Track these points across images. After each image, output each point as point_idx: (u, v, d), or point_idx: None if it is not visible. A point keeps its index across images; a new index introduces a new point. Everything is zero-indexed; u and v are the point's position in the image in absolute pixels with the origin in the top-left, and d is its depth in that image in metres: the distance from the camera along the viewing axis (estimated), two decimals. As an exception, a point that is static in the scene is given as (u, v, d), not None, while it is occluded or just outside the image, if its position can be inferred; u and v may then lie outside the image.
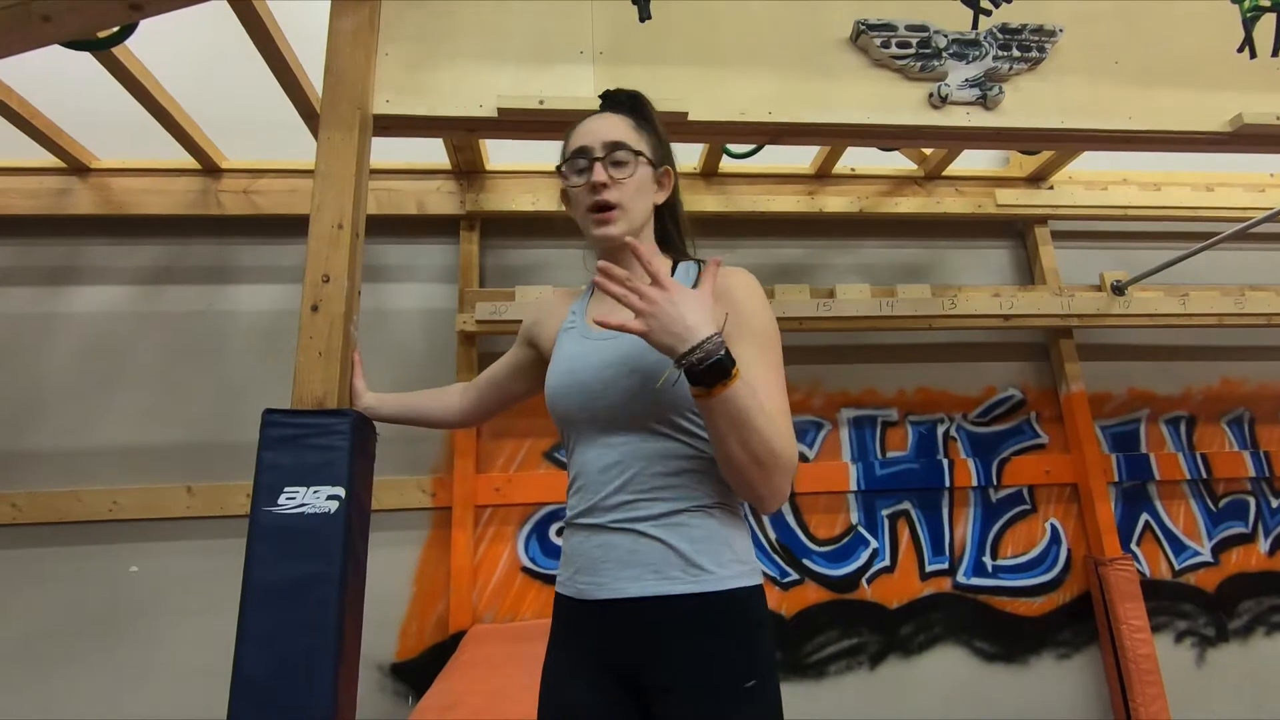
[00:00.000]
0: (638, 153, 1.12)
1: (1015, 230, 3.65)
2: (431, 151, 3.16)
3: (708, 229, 3.42)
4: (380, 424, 1.50)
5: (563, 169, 1.16)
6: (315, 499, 1.17)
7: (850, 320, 3.16)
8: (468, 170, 3.25)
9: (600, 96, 1.22)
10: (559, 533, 2.99)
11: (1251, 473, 3.35)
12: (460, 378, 3.02)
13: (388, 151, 3.23)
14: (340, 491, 1.19)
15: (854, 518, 3.15)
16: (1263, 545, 3.32)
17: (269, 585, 1.13)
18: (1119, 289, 3.34)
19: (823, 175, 3.43)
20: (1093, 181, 3.57)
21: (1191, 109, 2.06)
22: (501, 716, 1.71)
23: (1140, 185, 3.57)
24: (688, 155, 3.37)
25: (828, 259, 3.49)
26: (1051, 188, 3.52)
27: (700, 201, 3.31)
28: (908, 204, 3.41)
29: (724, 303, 1.02)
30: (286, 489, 1.17)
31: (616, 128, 1.13)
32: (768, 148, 3.57)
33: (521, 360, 1.38)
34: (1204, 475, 3.33)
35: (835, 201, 3.37)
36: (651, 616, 0.93)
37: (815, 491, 3.14)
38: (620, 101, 1.19)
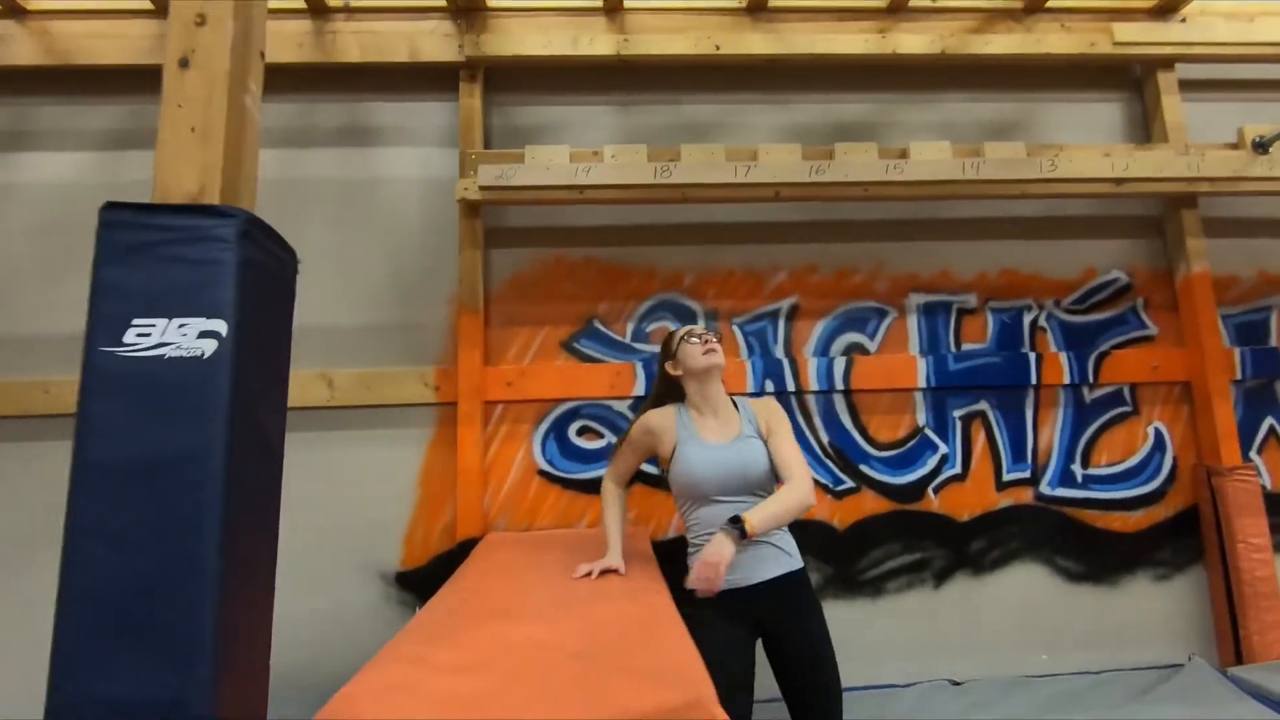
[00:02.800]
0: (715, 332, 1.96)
1: (1132, 78, 3.00)
2: (421, -18, 2.62)
3: (754, 78, 2.86)
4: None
5: (686, 339, 1.88)
6: (181, 336, 0.77)
7: (926, 186, 2.62)
8: (466, 7, 2.71)
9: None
10: (580, 432, 2.63)
11: (1405, 370, 2.79)
12: (464, 256, 2.59)
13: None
14: (220, 326, 0.79)
15: (921, 419, 2.71)
16: None
17: (114, 464, 0.75)
18: (1262, 146, 2.71)
19: (897, 7, 2.80)
20: (1234, 14, 2.87)
21: None
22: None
23: (1297, 17, 2.86)
24: (731, -13, 2.77)
25: (899, 115, 2.90)
26: (1184, 20, 2.84)
27: (745, 42, 2.73)
28: (1001, 43, 2.78)
29: (765, 412, 1.86)
30: (136, 322, 0.77)
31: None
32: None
33: (640, 461, 1.95)
34: (1346, 372, 2.78)
35: (911, 41, 2.76)
36: (785, 583, 1.72)
37: (876, 389, 2.70)
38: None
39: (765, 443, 1.77)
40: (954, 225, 2.83)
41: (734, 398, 1.89)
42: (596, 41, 2.70)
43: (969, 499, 2.67)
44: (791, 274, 2.77)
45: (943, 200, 2.71)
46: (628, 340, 2.69)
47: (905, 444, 2.70)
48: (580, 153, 2.59)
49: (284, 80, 2.71)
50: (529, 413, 2.63)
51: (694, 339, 1.85)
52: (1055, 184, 2.65)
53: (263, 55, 1.11)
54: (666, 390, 1.92)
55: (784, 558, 1.73)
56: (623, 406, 2.64)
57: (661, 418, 1.84)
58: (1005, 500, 2.68)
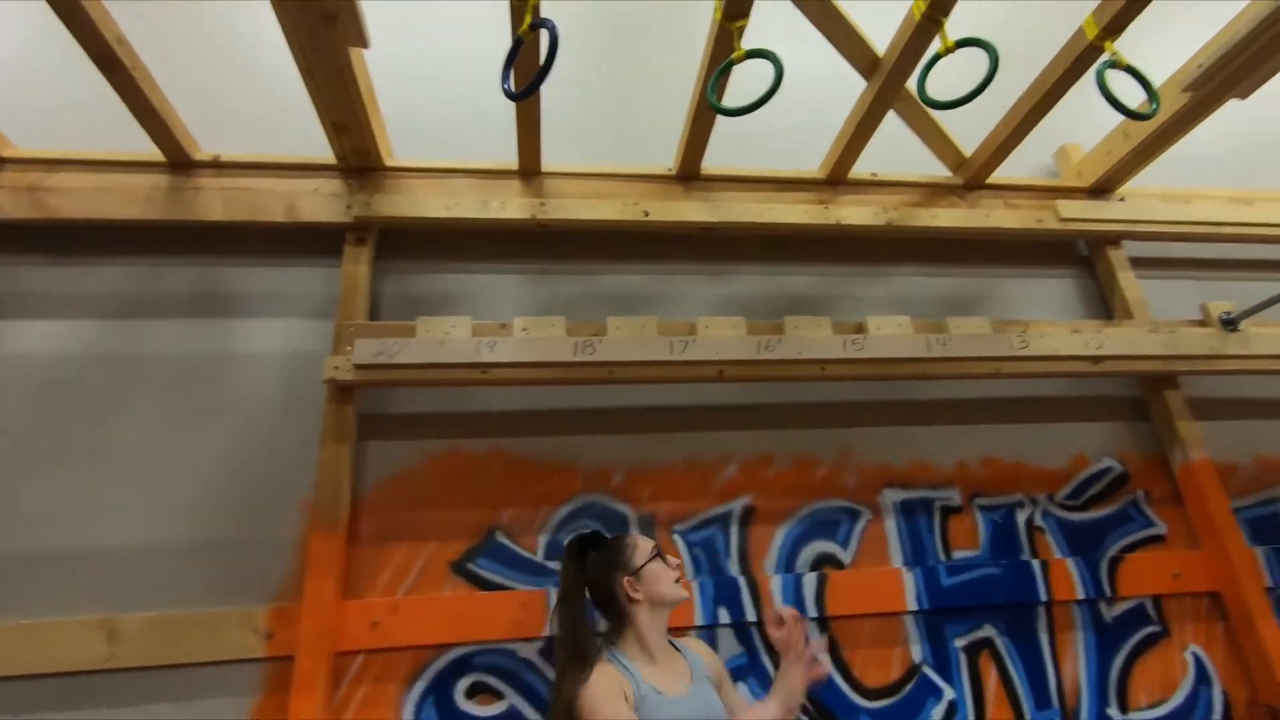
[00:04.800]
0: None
1: (1077, 256, 2.86)
2: (308, 139, 2.29)
3: (689, 247, 2.56)
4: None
5: (658, 559, 1.64)
6: None
7: (889, 364, 2.26)
8: (359, 166, 2.37)
9: (591, 535, 1.74)
10: (472, 692, 1.91)
11: None
12: (325, 452, 2.01)
13: (245, 139, 2.37)
14: None
15: (916, 653, 2.13)
16: None
17: None
18: (1230, 322, 2.52)
19: (836, 180, 2.63)
20: (1169, 195, 2.83)
21: None
22: None
23: (1225, 200, 2.84)
24: (663, 155, 2.55)
25: (850, 288, 2.63)
26: (1123, 199, 2.77)
27: (677, 209, 2.46)
28: (947, 216, 2.61)
29: (710, 656, 1.71)
30: None
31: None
32: (764, 143, 2.78)
33: None
34: (1380, 575, 2.40)
35: (854, 213, 2.55)
36: None
37: (858, 614, 2.13)
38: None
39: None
40: (926, 408, 2.46)
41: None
42: (509, 205, 2.37)
43: (991, 765, 2.03)
44: (743, 466, 2.29)
45: (909, 378, 2.35)
46: (539, 558, 2.08)
47: (902, 689, 2.08)
48: (485, 325, 2.15)
49: (126, 240, 2.25)
50: (400, 666, 1.91)
51: (663, 560, 1.63)
52: (1029, 362, 2.34)
53: None
54: (603, 607, 1.63)
55: None
56: (531, 651, 1.96)
57: (613, 674, 1.48)
58: (1037, 763, 2.05)
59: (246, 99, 2.54)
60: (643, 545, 1.65)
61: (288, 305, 2.29)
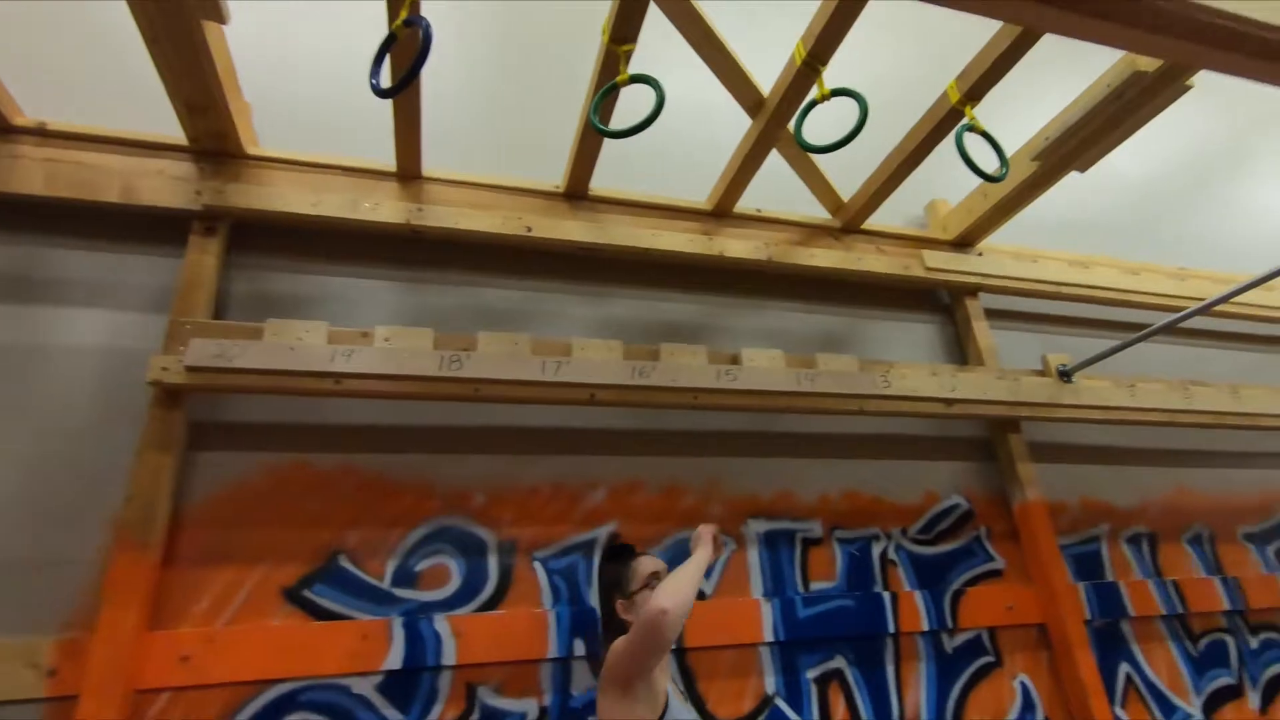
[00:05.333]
0: None
1: (941, 304, 3.05)
2: (162, 120, 2.08)
3: (570, 267, 2.52)
4: None
5: (651, 584, 1.68)
6: None
7: (760, 396, 2.30)
8: (215, 150, 2.18)
9: (619, 547, 1.97)
10: (296, 733, 1.74)
11: (1225, 605, 2.74)
12: (142, 461, 1.79)
13: (85, 111, 2.12)
14: None
15: (769, 684, 2.14)
16: (1252, 699, 2.65)
17: None
18: (1066, 374, 2.75)
19: (721, 213, 2.68)
20: (1020, 254, 3.08)
21: None
22: None
23: (1068, 262, 3.12)
24: (550, 172, 2.51)
25: (728, 319, 2.67)
26: (981, 254, 2.98)
27: (561, 228, 2.41)
28: (824, 257, 2.71)
29: None
30: None
31: (660, 563, 1.78)
32: (657, 169, 2.81)
33: None
34: (1179, 609, 2.66)
35: (737, 246, 2.61)
36: None
37: (715, 645, 2.12)
38: (636, 550, 1.87)
39: None
40: (793, 440, 2.52)
41: None
42: (383, 207, 2.24)
43: (834, 797, 2.06)
44: (611, 492, 2.24)
45: (779, 412, 2.40)
46: (386, 585, 1.94)
47: (753, 720, 2.08)
48: (343, 333, 2.01)
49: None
50: (212, 705, 1.71)
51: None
52: (890, 401, 2.45)
53: None
54: (611, 628, 1.68)
55: None
56: (367, 687, 1.82)
57: None
58: (876, 793, 2.10)
59: (91, 67, 2.29)
60: (641, 570, 1.71)
61: (117, 296, 2.06)
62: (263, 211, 2.14)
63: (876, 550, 2.44)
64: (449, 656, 1.87)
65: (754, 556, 2.29)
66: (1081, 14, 1.36)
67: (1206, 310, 2.46)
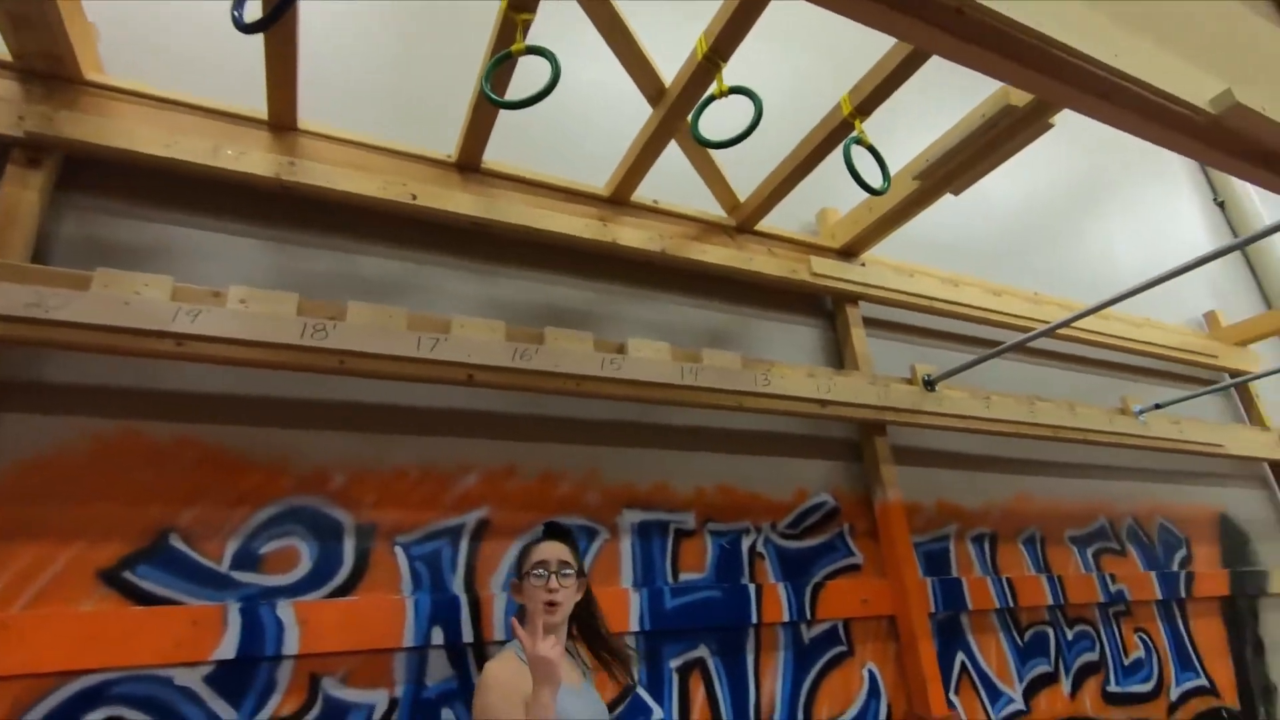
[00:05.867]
0: (578, 570, 1.73)
1: (825, 310, 3.17)
2: (-23, 26, 1.80)
3: (456, 241, 2.41)
4: None
5: (530, 574, 1.67)
6: None
7: (644, 387, 2.30)
8: (45, 73, 1.91)
9: (545, 525, 1.86)
10: (103, 730, 1.56)
11: (1049, 600, 3.02)
12: (-71, 419, 1.55)
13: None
14: None
15: (632, 673, 2.15)
16: (1065, 685, 2.93)
17: None
18: (930, 384, 2.94)
19: (619, 201, 2.65)
20: (899, 268, 3.25)
21: (1177, 76, 1.58)
22: None
23: (940, 279, 3.32)
24: (444, 142, 2.39)
25: (615, 308, 2.65)
26: (864, 264, 3.12)
27: (450, 198, 2.30)
28: (717, 254, 2.75)
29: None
30: None
31: (563, 552, 1.72)
32: (554, 155, 2.74)
33: None
34: (1011, 603, 2.91)
35: (632, 235, 2.59)
36: None
37: (580, 634, 2.10)
38: (560, 531, 1.82)
39: None
40: (672, 433, 2.53)
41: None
42: (248, 157, 2.05)
43: (687, 783, 2.09)
44: (485, 476, 2.17)
45: (661, 404, 2.41)
46: (224, 568, 1.78)
47: (614, 709, 2.08)
48: (191, 290, 1.82)
49: None
50: (1, 701, 1.51)
51: (538, 575, 1.65)
52: (768, 399, 2.52)
53: None
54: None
55: None
56: (193, 679, 1.66)
57: (509, 666, 1.57)
58: (727, 779, 2.16)
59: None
60: (535, 555, 1.70)
61: (-92, 227, 1.76)
62: (103, 147, 1.90)
63: (746, 543, 2.51)
64: (290, 645, 1.74)
65: (626, 546, 2.29)
66: (957, 37, 1.43)
67: (1051, 333, 2.70)
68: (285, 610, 1.76)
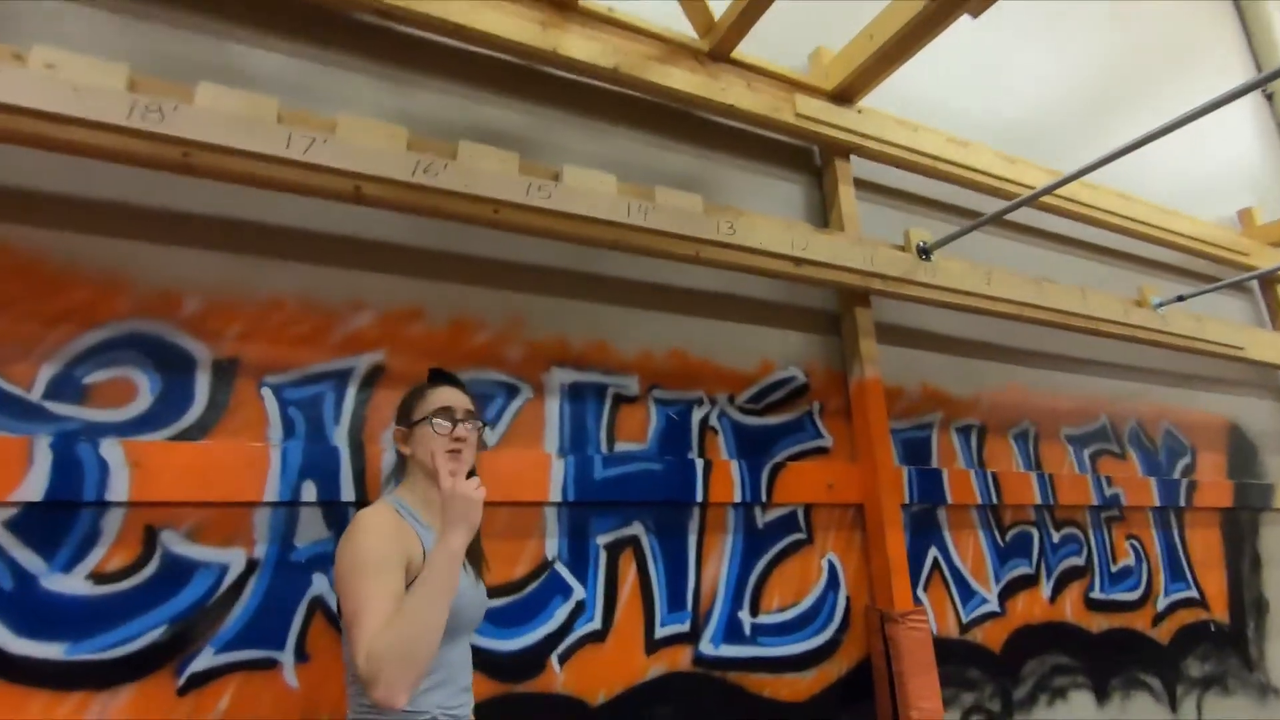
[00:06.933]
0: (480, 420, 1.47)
1: (811, 163, 2.75)
2: None
3: (360, 37, 1.97)
4: None
5: (430, 419, 1.37)
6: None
7: (579, 223, 1.91)
8: None
9: (432, 372, 1.54)
10: None
11: (1037, 499, 2.74)
12: None
13: None
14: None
15: (551, 548, 1.87)
16: (1045, 589, 2.69)
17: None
18: (925, 251, 2.55)
19: (565, 4, 2.18)
20: (902, 121, 2.80)
21: None
22: None
23: (947, 139, 2.88)
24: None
25: (555, 135, 2.23)
26: (860, 111, 2.67)
27: (344, -26, 1.85)
28: (683, 79, 2.30)
29: None
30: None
31: (466, 400, 1.45)
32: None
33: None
34: (994, 500, 2.63)
35: (580, 46, 2.14)
36: None
37: (490, 502, 1.79)
38: (455, 379, 1.51)
39: None
40: (616, 286, 2.17)
41: None
42: (68, -112, 1.59)
43: (608, 669, 1.85)
44: (382, 317, 1.82)
45: (603, 249, 2.03)
46: (34, 396, 1.46)
47: (525, 587, 1.81)
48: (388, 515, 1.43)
49: None
50: None
51: (441, 422, 1.38)
52: (732, 251, 2.14)
53: None
54: (395, 461, 1.50)
55: None
56: (-11, 522, 1.36)
57: (390, 517, 1.28)
58: (656, 667, 1.91)
59: None
60: (431, 400, 1.41)
61: None
62: None
63: (697, 415, 2.19)
64: (117, 491, 1.44)
65: (553, 408, 1.97)
66: None
67: (1061, 186, 2.30)
68: (112, 449, 1.45)
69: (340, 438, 1.69)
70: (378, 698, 1.05)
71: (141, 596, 1.45)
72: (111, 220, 1.60)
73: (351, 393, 1.74)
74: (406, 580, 1.20)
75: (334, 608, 1.58)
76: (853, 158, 2.72)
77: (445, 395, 1.43)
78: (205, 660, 1.47)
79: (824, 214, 2.68)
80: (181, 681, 1.44)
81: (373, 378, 1.77)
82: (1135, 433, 3.22)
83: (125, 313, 1.57)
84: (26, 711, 1.31)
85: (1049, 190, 2.29)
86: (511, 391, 1.93)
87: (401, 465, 1.44)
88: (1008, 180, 2.98)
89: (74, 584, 1.40)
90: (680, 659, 1.95)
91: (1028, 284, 2.75)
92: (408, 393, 1.49)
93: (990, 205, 3.00)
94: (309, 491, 1.60)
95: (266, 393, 1.65)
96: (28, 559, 1.37)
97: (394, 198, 1.72)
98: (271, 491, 1.56)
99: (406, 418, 1.43)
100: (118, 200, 1.61)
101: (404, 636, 1.08)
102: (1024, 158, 3.12)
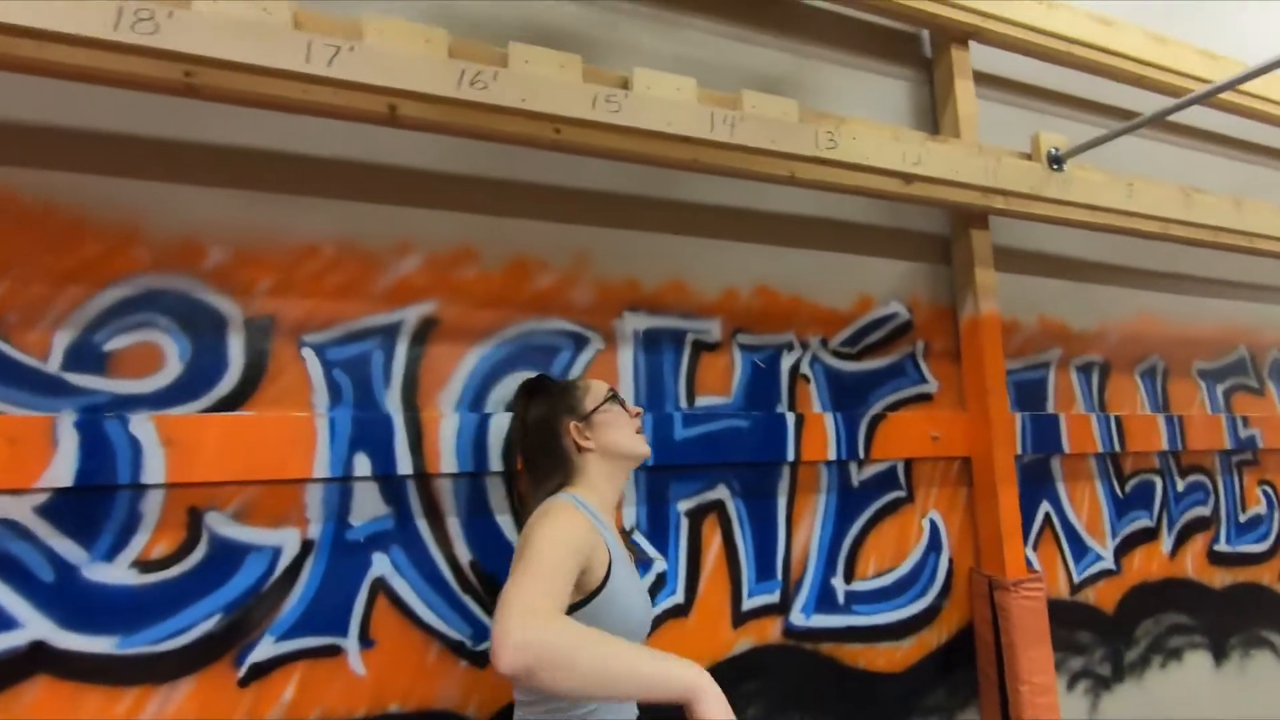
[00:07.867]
0: None
1: (919, 55, 2.31)
2: None
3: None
4: None
5: (618, 400, 1.35)
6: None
7: (655, 140, 1.60)
8: None
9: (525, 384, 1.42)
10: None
11: (1164, 444, 2.42)
12: None
13: None
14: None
15: (629, 517, 1.69)
16: (1165, 544, 2.43)
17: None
18: (1057, 160, 2.13)
19: None
20: (1031, -4, 2.30)
21: None
22: None
23: (1089, 16, 2.37)
24: None
25: (621, 34, 1.87)
26: (983, -14, 2.19)
27: None
28: (773, -47, 1.88)
29: None
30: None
31: None
32: None
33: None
34: (1116, 447, 2.33)
35: (648, -85, 1.74)
36: None
37: (560, 468, 1.61)
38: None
39: None
40: (695, 212, 1.87)
41: None
42: None
43: (692, 644, 1.70)
44: (429, 261, 1.58)
45: (679, 169, 1.71)
46: (53, 368, 1.29)
47: (602, 559, 1.64)
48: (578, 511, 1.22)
49: None
50: None
51: (612, 405, 1.34)
52: (832, 168, 1.80)
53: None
54: (551, 465, 1.30)
55: None
56: (21, 510, 1.23)
57: (586, 520, 1.16)
58: (744, 641, 1.76)
59: None
60: (595, 389, 1.36)
61: None
62: None
63: (787, 362, 1.92)
64: (153, 472, 1.28)
65: (626, 359, 1.73)
66: None
67: (1251, 80, 1.83)
68: (142, 426, 1.29)
69: (392, 403, 1.50)
70: (498, 645, 0.86)
71: (192, 583, 1.33)
72: (118, 158, 1.37)
73: (402, 350, 1.53)
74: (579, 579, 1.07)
75: (395, 590, 1.44)
76: (971, 44, 2.26)
77: (601, 385, 1.37)
78: (266, 649, 1.35)
79: (934, 118, 2.26)
80: (242, 672, 1.34)
81: (424, 332, 1.55)
82: (1278, 365, 2.82)
83: (142, 266, 1.36)
84: (81, 710, 1.23)
85: (1235, 84, 1.83)
86: (580, 342, 1.69)
87: (564, 463, 1.29)
88: (1157, 66, 2.47)
89: (119, 573, 1.28)
90: (769, 631, 1.78)
91: (1174, 195, 2.32)
92: (559, 388, 1.37)
93: (1131, 99, 2.53)
94: (362, 465, 1.43)
95: (308, 354, 1.45)
96: (66, 548, 1.25)
97: (436, 117, 1.43)
98: (321, 467, 1.40)
99: (577, 411, 1.32)
100: (123, 133, 1.37)
101: (582, 656, 0.88)
102: (1178, 40, 2.58)
